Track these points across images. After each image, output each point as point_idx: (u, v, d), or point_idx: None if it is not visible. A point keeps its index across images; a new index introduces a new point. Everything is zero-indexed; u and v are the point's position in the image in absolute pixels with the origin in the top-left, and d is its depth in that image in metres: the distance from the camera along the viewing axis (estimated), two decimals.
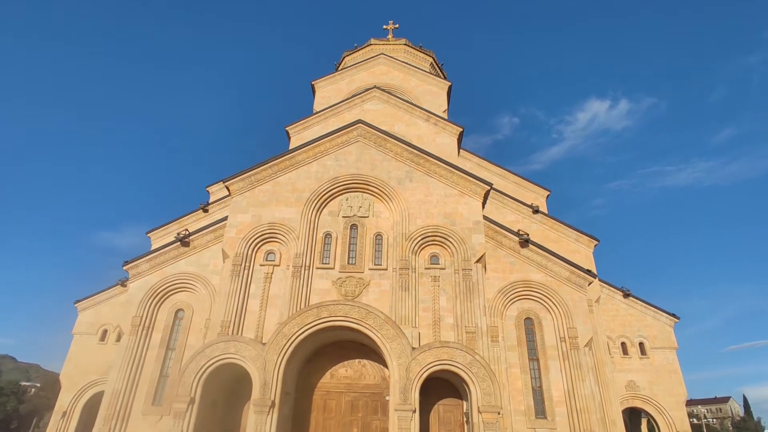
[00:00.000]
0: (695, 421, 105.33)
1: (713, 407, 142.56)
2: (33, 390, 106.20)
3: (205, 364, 20.47)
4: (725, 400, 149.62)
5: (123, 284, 39.63)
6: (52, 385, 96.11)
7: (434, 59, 58.14)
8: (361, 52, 56.50)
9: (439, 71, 59.18)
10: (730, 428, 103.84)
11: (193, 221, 40.01)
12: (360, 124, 29.48)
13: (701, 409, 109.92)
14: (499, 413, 19.85)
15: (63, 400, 36.30)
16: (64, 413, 36.00)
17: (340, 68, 58.44)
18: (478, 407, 19.87)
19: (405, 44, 56.26)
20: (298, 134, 38.67)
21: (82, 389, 36.37)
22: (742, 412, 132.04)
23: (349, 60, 57.26)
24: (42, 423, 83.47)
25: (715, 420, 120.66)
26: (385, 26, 62.16)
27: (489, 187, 27.43)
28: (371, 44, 56.20)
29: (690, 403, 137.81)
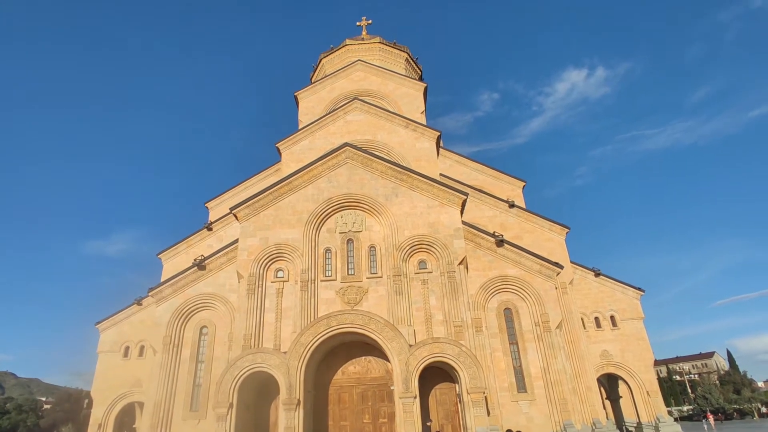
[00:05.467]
0: (678, 378, 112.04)
1: (698, 363, 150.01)
2: (48, 405, 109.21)
3: (238, 374, 24.33)
4: (710, 355, 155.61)
5: (139, 303, 43.03)
6: (67, 398, 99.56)
7: (409, 54, 61.33)
8: (337, 53, 59.51)
9: (414, 65, 62.54)
10: (717, 383, 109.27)
11: (199, 240, 43.32)
12: (347, 147, 32.94)
13: (684, 366, 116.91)
14: (484, 393, 24.07)
15: (96, 414, 39.86)
16: (100, 425, 39.59)
17: (317, 70, 61.51)
18: (467, 389, 24.07)
19: (380, 42, 59.24)
20: (288, 149, 42.01)
21: (113, 402, 39.89)
22: (727, 366, 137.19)
23: (326, 62, 60.23)
24: None
25: (698, 375, 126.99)
26: (358, 23, 65.20)
27: (465, 197, 31.22)
28: (346, 45, 59.19)
29: (674, 360, 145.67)
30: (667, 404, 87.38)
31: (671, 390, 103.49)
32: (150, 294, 31.41)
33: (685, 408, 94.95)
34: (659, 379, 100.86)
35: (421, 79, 62.98)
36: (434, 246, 29.64)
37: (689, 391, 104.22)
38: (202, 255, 32.83)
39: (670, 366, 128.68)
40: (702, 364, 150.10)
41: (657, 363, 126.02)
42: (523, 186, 51.49)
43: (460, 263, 29.08)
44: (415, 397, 23.87)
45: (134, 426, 41.84)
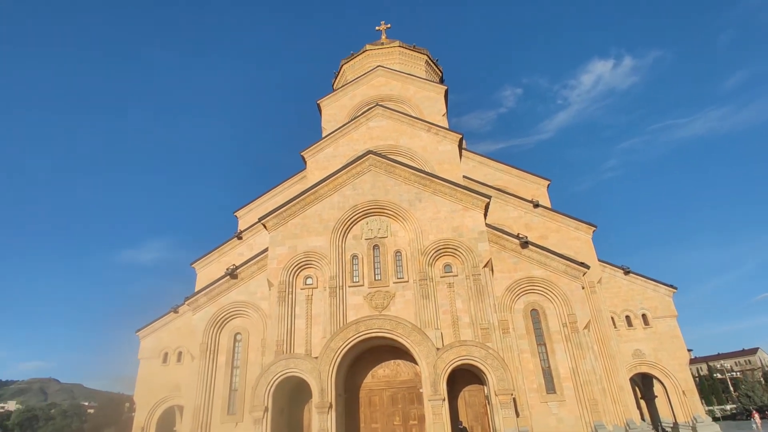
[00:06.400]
0: (720, 376, 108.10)
1: (741, 360, 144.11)
2: (91, 410, 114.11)
3: (272, 379, 25.30)
4: (753, 351, 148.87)
5: (175, 311, 44.70)
6: (108, 403, 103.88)
7: (429, 56, 61.88)
8: (358, 58, 60.58)
9: (434, 67, 63.01)
10: (762, 380, 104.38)
11: (230, 248, 44.78)
12: (370, 155, 33.61)
13: (726, 364, 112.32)
14: (512, 395, 24.27)
15: (139, 418, 41.64)
16: (142, 428, 41.38)
17: (339, 76, 62.67)
18: (495, 391, 24.33)
19: (399, 46, 60.00)
20: (313, 157, 43.06)
21: (154, 406, 41.57)
22: None
23: (347, 68, 61.33)
24: None
25: (740, 373, 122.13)
26: (377, 27, 66.33)
27: (488, 200, 31.41)
28: (366, 50, 60.17)
29: (715, 357, 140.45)
30: (709, 403, 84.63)
31: (712, 388, 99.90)
32: (186, 303, 32.83)
33: (728, 407, 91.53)
34: (699, 378, 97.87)
35: (441, 80, 63.36)
36: (459, 249, 29.97)
37: (731, 389, 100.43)
38: (234, 264, 34.09)
39: (711, 363, 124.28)
40: (745, 360, 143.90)
41: (697, 361, 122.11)
42: (548, 185, 51.02)
43: (485, 266, 29.32)
44: (444, 400, 24.28)
45: (174, 429, 43.52)
